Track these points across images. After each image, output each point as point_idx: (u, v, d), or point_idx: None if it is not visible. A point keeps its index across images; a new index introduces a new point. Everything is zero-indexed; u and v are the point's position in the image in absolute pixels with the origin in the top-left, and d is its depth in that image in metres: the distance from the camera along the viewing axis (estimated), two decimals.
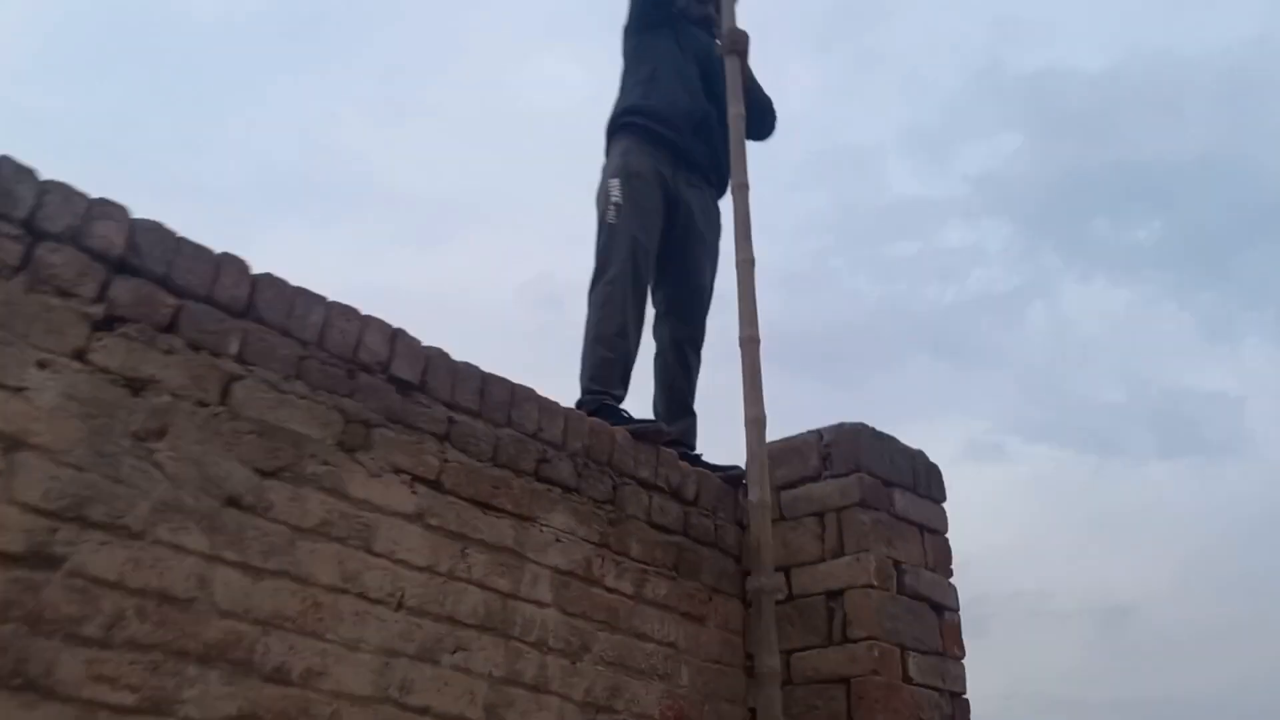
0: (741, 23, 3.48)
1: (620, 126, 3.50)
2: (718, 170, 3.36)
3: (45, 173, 1.87)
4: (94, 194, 1.92)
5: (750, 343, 2.93)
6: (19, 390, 1.73)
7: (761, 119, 3.71)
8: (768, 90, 3.74)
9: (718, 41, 3.56)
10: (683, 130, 3.45)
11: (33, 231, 1.82)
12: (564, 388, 2.89)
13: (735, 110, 3.20)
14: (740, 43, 3.43)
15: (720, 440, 3.27)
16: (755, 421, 2.85)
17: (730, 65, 3.33)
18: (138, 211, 1.97)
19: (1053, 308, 18.97)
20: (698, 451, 3.22)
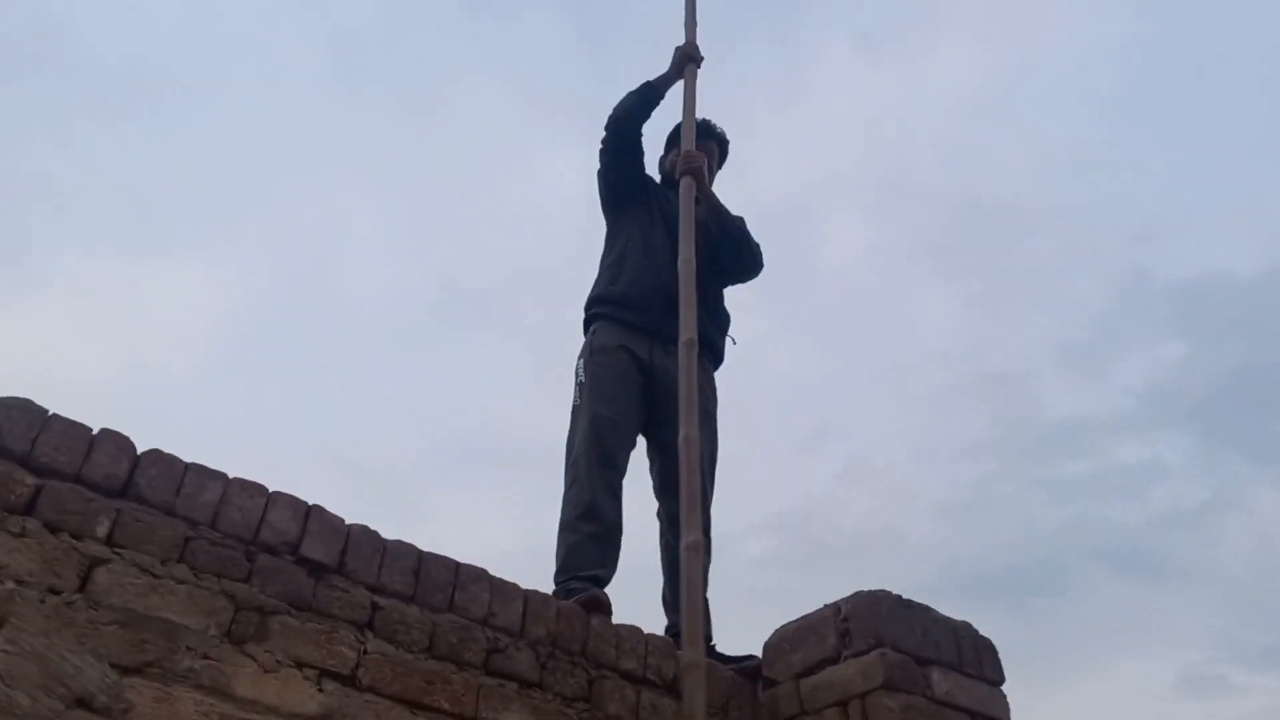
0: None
1: (591, 317, 3.35)
2: (702, 330, 3.09)
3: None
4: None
5: (689, 442, 2.64)
6: None
7: (736, 253, 3.47)
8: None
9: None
10: (652, 310, 3.23)
11: None
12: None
13: (684, 255, 2.96)
14: (694, 162, 3.21)
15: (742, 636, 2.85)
16: (693, 548, 2.47)
17: (684, 187, 3.13)
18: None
19: (1250, 519, 17.41)
20: (714, 642, 2.82)
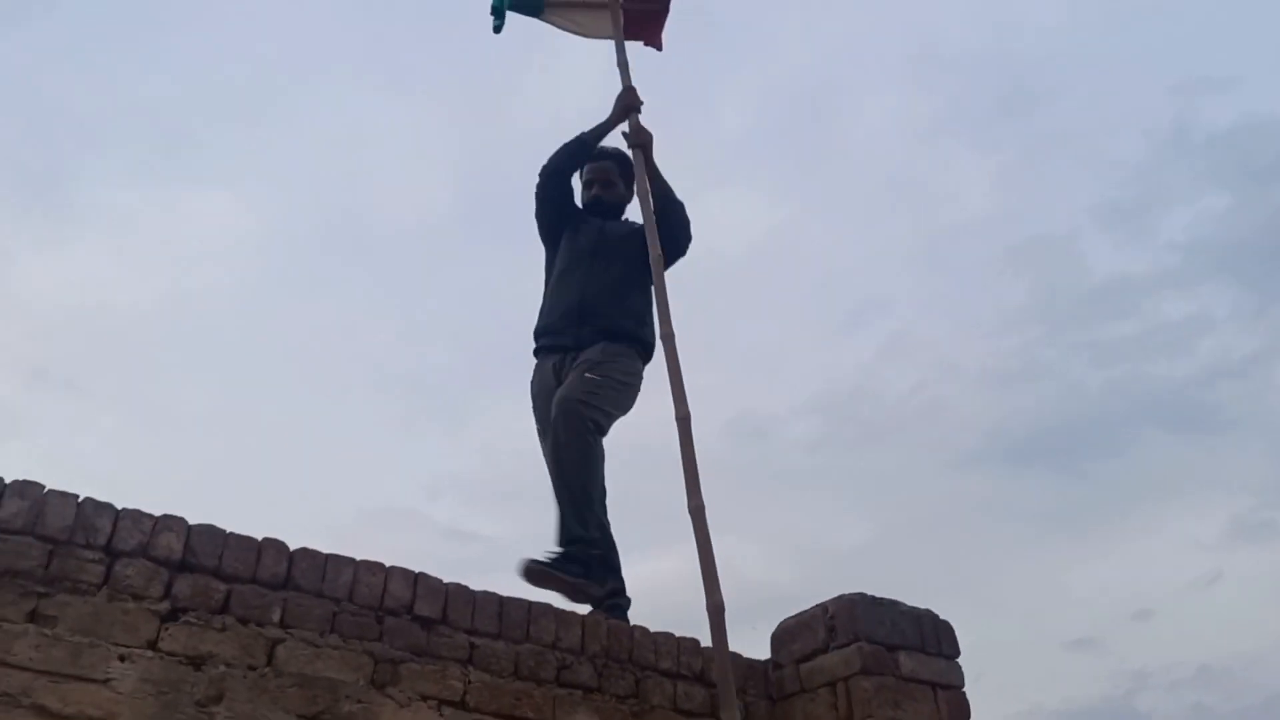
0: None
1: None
2: (611, 323, 3.72)
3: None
4: (160, 512, 2.49)
5: (698, 512, 2.95)
6: (105, 681, 2.25)
7: (672, 239, 3.80)
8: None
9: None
10: (565, 330, 3.79)
11: (110, 552, 2.38)
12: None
13: (654, 253, 3.42)
14: (643, 136, 3.76)
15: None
16: (717, 608, 2.81)
17: (636, 159, 3.66)
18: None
19: None
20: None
